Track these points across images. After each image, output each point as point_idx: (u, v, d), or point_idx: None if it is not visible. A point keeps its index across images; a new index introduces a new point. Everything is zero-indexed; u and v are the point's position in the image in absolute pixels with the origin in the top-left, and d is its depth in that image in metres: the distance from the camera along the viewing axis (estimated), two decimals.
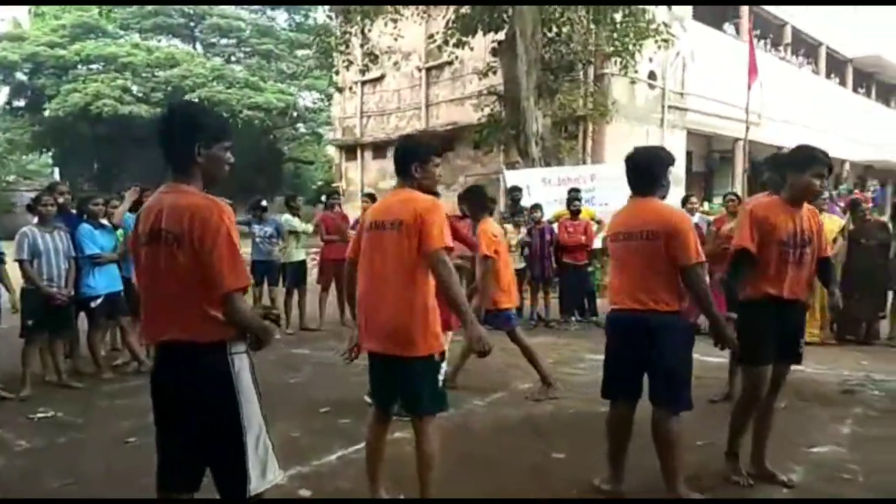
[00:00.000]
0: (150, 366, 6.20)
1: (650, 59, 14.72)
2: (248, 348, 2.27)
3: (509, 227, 8.89)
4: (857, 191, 15.64)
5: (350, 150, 21.16)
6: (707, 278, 3.40)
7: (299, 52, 33.92)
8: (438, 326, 3.08)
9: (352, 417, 4.82)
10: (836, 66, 24.84)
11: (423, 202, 3.03)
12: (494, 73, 13.92)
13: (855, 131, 23.74)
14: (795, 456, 4.01)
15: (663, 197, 3.47)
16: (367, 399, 5.13)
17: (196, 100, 30.18)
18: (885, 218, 8.12)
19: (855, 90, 26.01)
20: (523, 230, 8.85)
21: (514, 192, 9.65)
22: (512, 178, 11.38)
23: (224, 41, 35.63)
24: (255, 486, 2.20)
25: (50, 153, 33.71)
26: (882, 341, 7.45)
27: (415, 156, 3.18)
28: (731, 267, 3.55)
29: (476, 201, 5.85)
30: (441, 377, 3.12)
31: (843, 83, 25.18)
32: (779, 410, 4.49)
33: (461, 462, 3.90)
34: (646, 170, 3.46)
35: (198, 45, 35.47)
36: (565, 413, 5.05)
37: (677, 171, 12.64)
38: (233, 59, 35.65)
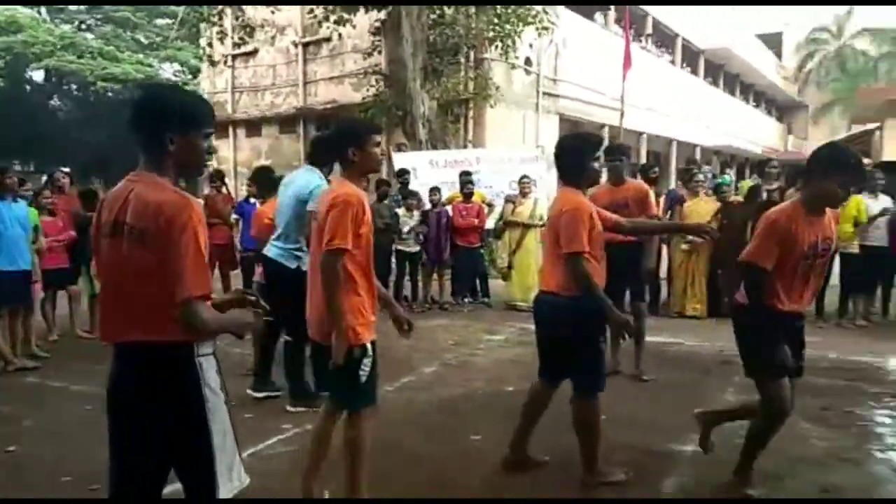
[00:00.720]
0: (29, 366, 5.82)
1: (530, 45, 15.08)
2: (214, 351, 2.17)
3: (401, 210, 8.88)
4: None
5: (221, 127, 20.19)
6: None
7: (159, 21, 31.83)
8: (357, 319, 2.95)
9: (255, 412, 4.67)
10: (689, 56, 26.63)
11: (335, 197, 2.93)
12: (379, 52, 13.76)
13: (706, 119, 25.71)
14: (695, 425, 4.29)
15: (591, 184, 3.60)
16: (252, 393, 4.99)
17: (44, 69, 27.75)
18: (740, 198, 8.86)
19: (705, 80, 28.06)
20: (415, 213, 8.84)
21: (403, 176, 9.62)
22: (399, 160, 11.36)
23: (74, 7, 32.70)
24: (224, 490, 2.11)
25: None
26: None
27: (351, 139, 3.02)
28: (749, 284, 3.26)
29: (263, 182, 6.15)
30: (363, 372, 2.99)
31: (695, 73, 27.05)
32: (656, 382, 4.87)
33: (383, 452, 3.83)
34: (558, 159, 3.63)
35: (43, 11, 32.34)
36: (475, 395, 5.14)
37: (551, 157, 13.11)
38: (84, 26, 32.81)
